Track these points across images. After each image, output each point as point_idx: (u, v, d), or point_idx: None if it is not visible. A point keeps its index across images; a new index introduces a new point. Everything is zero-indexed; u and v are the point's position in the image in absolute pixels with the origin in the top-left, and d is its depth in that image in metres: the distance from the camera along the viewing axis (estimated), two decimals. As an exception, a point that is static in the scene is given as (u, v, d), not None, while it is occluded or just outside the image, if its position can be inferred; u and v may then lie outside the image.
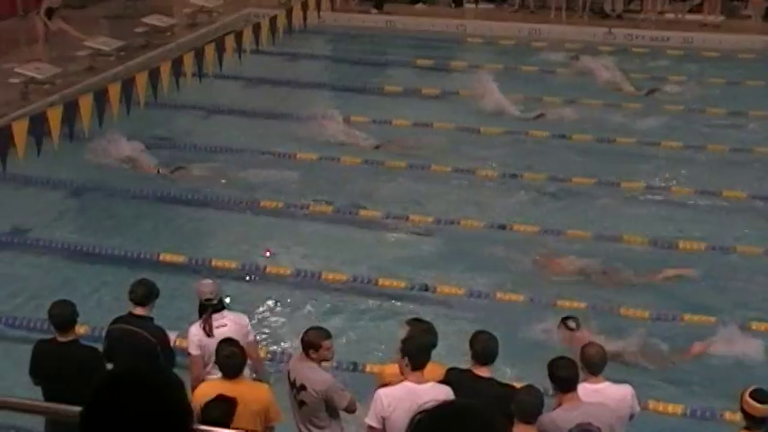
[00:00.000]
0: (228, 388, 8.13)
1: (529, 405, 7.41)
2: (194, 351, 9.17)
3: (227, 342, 8.51)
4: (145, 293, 9.24)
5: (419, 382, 7.79)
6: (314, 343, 8.50)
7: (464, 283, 13.06)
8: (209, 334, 9.10)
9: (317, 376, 8.42)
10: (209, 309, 9.27)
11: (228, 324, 9.20)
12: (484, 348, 8.10)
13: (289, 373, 8.67)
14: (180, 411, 2.93)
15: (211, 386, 8.35)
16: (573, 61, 22.63)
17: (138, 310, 9.21)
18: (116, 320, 9.33)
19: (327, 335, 8.62)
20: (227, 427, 7.42)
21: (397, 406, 7.72)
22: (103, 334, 9.56)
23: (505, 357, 8.89)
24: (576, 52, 23.44)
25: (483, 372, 8.06)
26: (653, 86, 21.19)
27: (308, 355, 8.53)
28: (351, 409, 8.67)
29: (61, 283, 13.16)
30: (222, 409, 7.76)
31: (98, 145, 16.85)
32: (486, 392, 7.65)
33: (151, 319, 9.26)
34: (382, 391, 7.94)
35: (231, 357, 8.31)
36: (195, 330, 9.24)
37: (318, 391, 8.39)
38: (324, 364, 8.64)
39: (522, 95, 20.49)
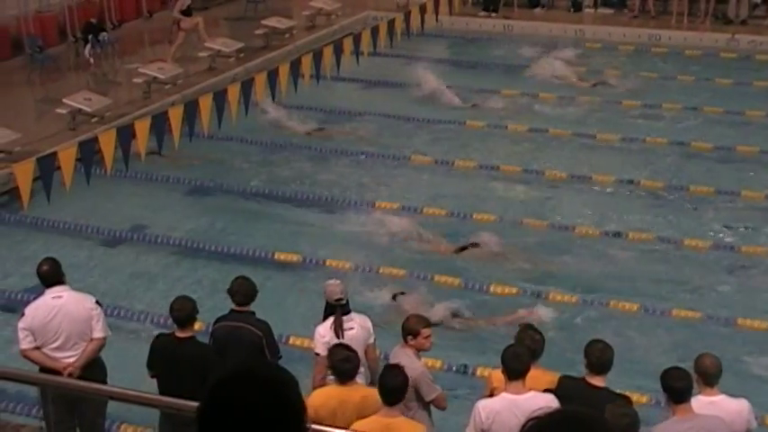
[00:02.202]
0: (344, 393, 8.13)
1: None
2: (322, 352, 8.92)
3: (342, 346, 8.49)
4: (243, 291, 9.27)
5: (518, 393, 7.71)
6: (413, 329, 8.57)
7: (578, 291, 13.00)
8: (339, 336, 8.99)
9: (409, 363, 8.39)
10: (338, 310, 9.18)
11: (355, 327, 9.14)
12: (599, 358, 7.97)
13: (388, 361, 8.75)
14: (295, 408, 2.96)
15: (325, 393, 8.34)
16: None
17: (240, 306, 9.28)
18: (219, 319, 9.41)
19: (427, 323, 8.68)
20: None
21: (495, 419, 7.67)
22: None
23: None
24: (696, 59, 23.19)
25: (597, 381, 7.95)
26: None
27: (406, 341, 8.61)
28: (439, 405, 8.70)
29: (177, 280, 13.43)
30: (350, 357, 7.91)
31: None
32: (600, 402, 7.53)
33: (253, 313, 9.31)
34: (481, 404, 7.90)
35: (348, 361, 8.24)
36: (324, 331, 9.11)
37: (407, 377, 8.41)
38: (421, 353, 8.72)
39: (640, 102, 20.29)
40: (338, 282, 9.51)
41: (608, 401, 7.54)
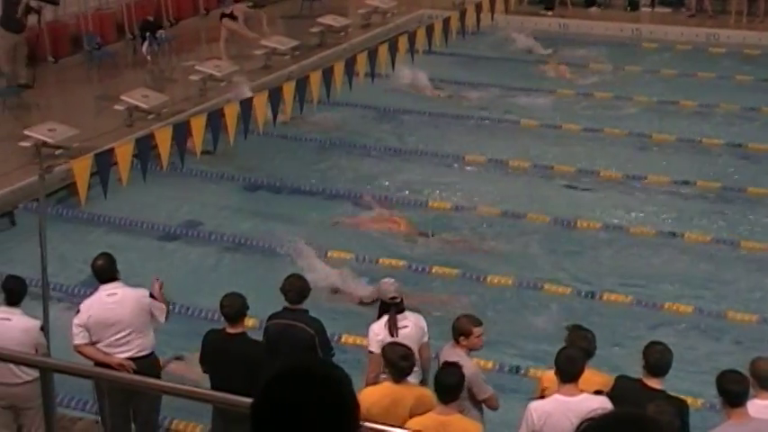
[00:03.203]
0: (398, 392, 8.15)
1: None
2: (376, 350, 8.96)
3: (400, 345, 8.51)
4: (296, 289, 9.29)
5: (571, 395, 7.68)
6: (464, 329, 8.60)
7: (632, 293, 12.93)
8: (393, 334, 9.00)
9: (461, 363, 8.38)
10: (392, 308, 9.19)
11: (409, 325, 9.15)
12: (658, 360, 7.93)
13: (438, 360, 8.75)
14: (349, 407, 2.97)
15: (379, 391, 8.35)
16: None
17: (293, 304, 9.29)
18: (272, 316, 9.42)
19: (478, 322, 8.71)
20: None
21: (547, 421, 7.65)
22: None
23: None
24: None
25: (654, 383, 7.90)
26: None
27: (457, 341, 8.63)
28: (491, 405, 8.71)
29: (231, 276, 13.49)
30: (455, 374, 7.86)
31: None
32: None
33: (306, 311, 9.32)
34: (533, 405, 7.89)
35: (407, 359, 8.27)
36: (378, 329, 9.12)
37: None
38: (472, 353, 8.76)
39: (697, 102, 20.10)
40: (392, 280, 9.55)
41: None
